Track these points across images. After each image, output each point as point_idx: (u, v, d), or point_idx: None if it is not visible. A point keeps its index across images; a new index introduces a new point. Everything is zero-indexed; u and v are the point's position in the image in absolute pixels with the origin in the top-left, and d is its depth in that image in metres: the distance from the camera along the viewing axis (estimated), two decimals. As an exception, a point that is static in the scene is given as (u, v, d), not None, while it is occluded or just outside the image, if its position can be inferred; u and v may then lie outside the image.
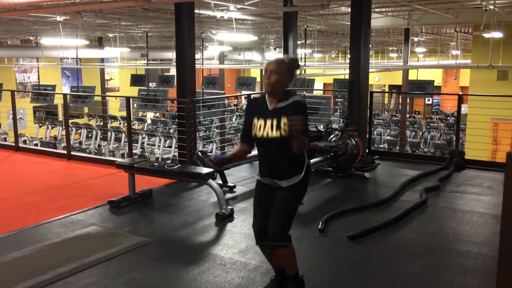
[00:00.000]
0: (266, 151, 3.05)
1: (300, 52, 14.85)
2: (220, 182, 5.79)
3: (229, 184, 5.88)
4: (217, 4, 8.58)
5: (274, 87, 2.96)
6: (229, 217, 4.84)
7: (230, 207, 4.97)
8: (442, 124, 21.42)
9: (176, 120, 8.54)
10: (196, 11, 7.02)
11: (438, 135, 19.18)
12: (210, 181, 4.97)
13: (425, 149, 17.20)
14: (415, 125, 20.66)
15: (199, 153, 6.13)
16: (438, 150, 15.64)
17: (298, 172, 3.00)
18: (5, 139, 13.48)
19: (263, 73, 3.04)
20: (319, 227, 4.49)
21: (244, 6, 8.66)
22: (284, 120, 2.89)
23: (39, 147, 10.81)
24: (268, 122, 2.96)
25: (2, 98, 12.20)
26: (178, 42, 6.67)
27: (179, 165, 5.42)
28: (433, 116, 24.17)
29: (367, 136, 7.72)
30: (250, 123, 3.06)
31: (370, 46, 18.22)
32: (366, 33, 7.14)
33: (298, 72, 11.06)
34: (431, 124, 20.77)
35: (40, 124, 15.47)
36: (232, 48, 19.91)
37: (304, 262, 3.83)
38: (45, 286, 3.42)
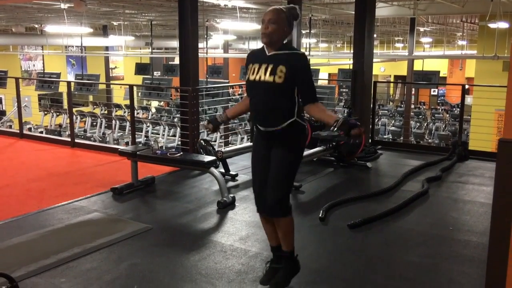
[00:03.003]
0: (257, 97, 2.95)
1: (305, 41, 14.81)
2: (222, 170, 5.83)
3: (231, 172, 5.90)
4: (221, -8, 8.56)
5: (272, 37, 2.84)
6: (231, 205, 4.87)
7: (231, 195, 4.99)
8: (447, 115, 21.36)
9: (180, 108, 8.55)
10: (199, -1, 7.02)
11: (443, 126, 19.13)
12: (212, 169, 4.99)
13: (429, 140, 17.17)
14: (420, 116, 20.60)
15: (202, 142, 6.15)
16: (442, 141, 15.61)
17: (287, 119, 2.89)
18: (10, 127, 13.58)
19: (261, 24, 2.92)
20: (320, 215, 4.52)
21: (248, -5, 8.63)
22: (281, 68, 2.81)
23: (43, 135, 10.86)
24: (263, 66, 2.88)
25: (7, 85, 12.25)
26: (181, 30, 6.66)
27: (182, 153, 5.43)
28: (438, 107, 24.09)
29: (370, 126, 7.72)
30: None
31: (375, 36, 18.12)
32: (370, 23, 7.11)
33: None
34: (436, 115, 20.73)
35: (45, 112, 15.55)
36: (237, 37, 19.83)
37: (304, 249, 3.86)
38: (48, 270, 3.47)
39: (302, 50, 10.79)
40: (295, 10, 2.94)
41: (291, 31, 2.93)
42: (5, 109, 17.26)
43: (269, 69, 2.85)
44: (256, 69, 2.92)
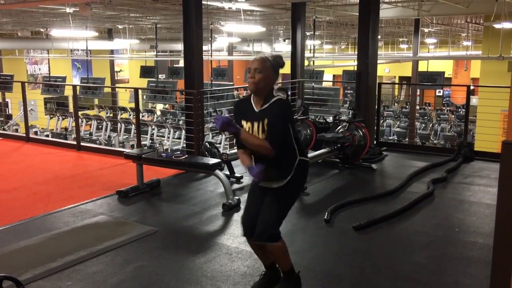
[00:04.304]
0: (255, 154, 2.95)
1: (309, 43, 14.81)
2: (227, 172, 5.84)
3: (236, 174, 5.91)
4: (225, -5, 8.58)
5: (258, 86, 2.87)
6: (236, 207, 4.88)
7: (236, 197, 5.01)
8: (453, 116, 21.28)
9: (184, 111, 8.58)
10: (204, 2, 7.03)
11: (449, 127, 19.06)
12: (217, 171, 5.01)
13: (435, 141, 17.11)
14: (425, 117, 20.55)
15: (207, 144, 6.17)
16: (448, 142, 15.55)
17: (288, 173, 2.92)
18: (16, 130, 13.65)
19: (247, 72, 2.94)
20: (325, 217, 4.52)
21: (252, -3, 8.65)
22: (265, 122, 2.84)
23: (49, 138, 10.91)
24: (255, 124, 2.88)
25: (13, 89, 12.32)
26: (185, 33, 6.69)
27: (187, 155, 5.45)
28: (444, 108, 24.02)
29: (375, 127, 7.71)
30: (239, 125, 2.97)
31: (380, 37, 18.05)
32: (374, 24, 7.11)
33: (306, 63, 11.02)
34: (441, 116, 20.65)
35: (51, 115, 15.63)
36: (241, 39, 19.86)
37: (309, 252, 3.88)
38: (54, 273, 3.49)
39: (306, 52, 10.78)
40: (280, 58, 2.99)
41: (277, 77, 2.96)
42: (11, 112, 17.34)
43: (260, 128, 2.87)
44: (250, 129, 2.91)
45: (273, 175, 2.93)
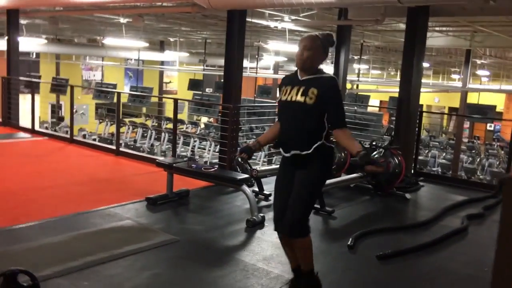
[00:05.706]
0: (287, 117, 3.02)
1: (356, 67, 14.71)
2: (257, 189, 5.82)
3: (265, 192, 5.88)
4: (272, 14, 8.67)
5: (306, 63, 2.93)
6: (260, 224, 4.84)
7: (262, 214, 4.97)
8: (503, 152, 20.42)
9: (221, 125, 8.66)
10: (249, 19, 7.13)
11: (497, 163, 18.29)
12: (244, 186, 5.00)
13: (481, 176, 16.46)
14: (473, 151, 19.83)
15: (239, 159, 6.18)
16: (495, 178, 14.92)
17: (309, 147, 2.93)
18: (67, 132, 14.19)
19: (297, 49, 3.00)
20: (349, 243, 4.41)
21: (299, 18, 8.70)
22: (312, 90, 2.88)
23: (91, 141, 11.29)
24: (295, 88, 2.96)
25: (67, 93, 12.83)
26: (227, 49, 6.81)
27: (216, 168, 5.49)
28: (494, 143, 23.11)
29: (414, 156, 7.51)
30: None
31: (430, 65, 17.63)
32: (420, 51, 6.96)
33: (349, 86, 10.91)
34: (490, 151, 19.87)
35: (100, 120, 16.15)
36: (287, 59, 19.96)
37: (327, 276, 3.77)
38: (72, 272, 3.56)
39: (353, 75, 10.71)
40: (331, 37, 3.02)
41: (326, 57, 3.01)
42: (64, 115, 18.09)
43: (301, 90, 2.93)
44: (288, 91, 3.00)
45: (296, 143, 2.95)
